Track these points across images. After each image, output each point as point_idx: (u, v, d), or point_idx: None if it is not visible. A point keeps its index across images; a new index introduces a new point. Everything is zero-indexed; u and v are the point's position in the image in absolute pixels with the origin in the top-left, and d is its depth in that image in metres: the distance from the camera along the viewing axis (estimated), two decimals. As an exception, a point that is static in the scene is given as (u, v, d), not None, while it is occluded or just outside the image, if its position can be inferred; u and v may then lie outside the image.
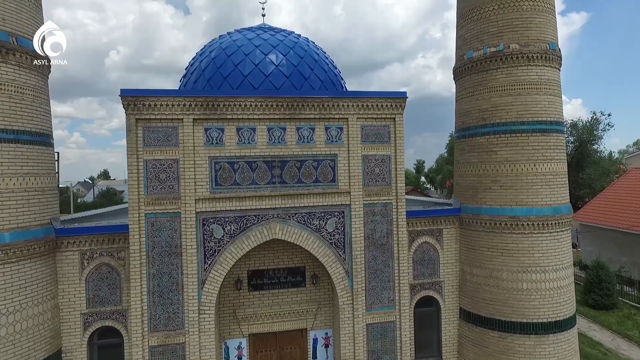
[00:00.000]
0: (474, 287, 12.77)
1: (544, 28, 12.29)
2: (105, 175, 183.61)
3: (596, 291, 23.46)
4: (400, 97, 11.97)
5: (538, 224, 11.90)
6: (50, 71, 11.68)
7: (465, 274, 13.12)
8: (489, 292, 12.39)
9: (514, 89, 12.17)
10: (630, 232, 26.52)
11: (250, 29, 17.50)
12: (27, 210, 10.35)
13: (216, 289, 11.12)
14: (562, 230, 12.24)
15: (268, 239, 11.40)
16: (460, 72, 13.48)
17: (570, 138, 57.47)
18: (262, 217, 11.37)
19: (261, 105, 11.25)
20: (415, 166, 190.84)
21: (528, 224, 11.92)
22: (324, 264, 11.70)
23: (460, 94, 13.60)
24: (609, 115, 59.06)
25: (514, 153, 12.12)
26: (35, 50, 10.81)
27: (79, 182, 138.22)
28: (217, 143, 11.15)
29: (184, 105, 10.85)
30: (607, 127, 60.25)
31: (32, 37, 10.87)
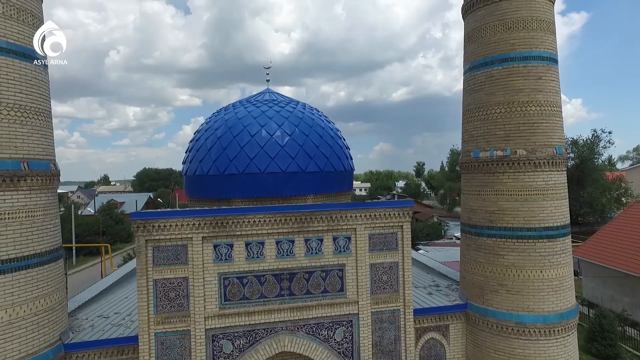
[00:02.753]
0: (480, 386, 12.86)
1: (550, 133, 12.33)
2: (105, 180, 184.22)
3: (599, 340, 23.57)
4: (407, 205, 12.04)
5: (545, 331, 11.97)
6: (59, 181, 11.71)
7: (471, 371, 13.21)
8: (495, 395, 12.47)
9: (521, 195, 12.22)
10: (632, 274, 26.57)
11: (255, 103, 17.53)
12: (36, 335, 10.39)
13: (225, 403, 11.19)
14: (569, 335, 12.32)
15: (277, 352, 11.47)
16: (466, 168, 13.52)
17: (570, 154, 57.81)
18: (271, 330, 11.44)
19: (270, 221, 11.30)
20: (415, 169, 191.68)
21: (534, 331, 11.99)
22: (332, 373, 11.78)
23: (467, 189, 13.65)
24: (609, 132, 59.29)
25: (521, 259, 12.18)
26: (45, 169, 10.84)
27: (79, 188, 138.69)
28: (226, 259, 11.21)
29: (193, 224, 10.90)
30: (607, 144, 60.58)
31: (44, 155, 10.90)
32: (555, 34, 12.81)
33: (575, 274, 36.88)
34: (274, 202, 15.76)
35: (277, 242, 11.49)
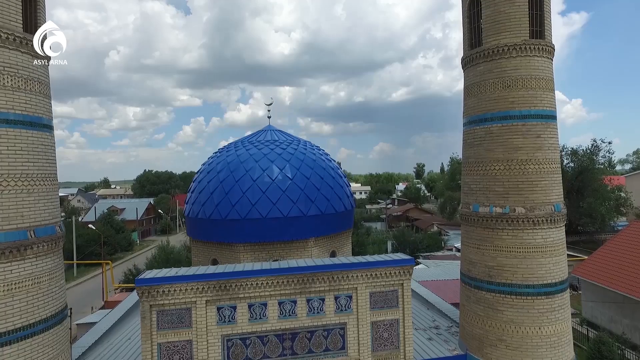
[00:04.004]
0: None
1: (549, 190, 12.49)
2: (105, 183, 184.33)
3: (597, 367, 23.78)
4: (408, 264, 12.20)
5: (543, 387, 12.16)
6: (64, 240, 11.85)
7: (471, 421, 13.40)
8: None
9: (520, 252, 12.39)
10: (632, 297, 26.69)
11: (257, 144, 17.68)
12: (44, 400, 10.56)
13: None
14: (567, 390, 12.52)
15: (279, 411, 11.66)
16: (466, 220, 13.68)
17: (570, 164, 57.94)
18: (273, 390, 11.62)
19: (272, 283, 11.47)
20: (415, 170, 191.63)
21: (533, 387, 12.18)
22: None
23: (467, 241, 13.81)
24: (609, 143, 59.40)
25: (520, 315, 12.35)
26: (52, 233, 10.97)
27: (79, 191, 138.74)
28: (229, 321, 11.37)
29: (197, 289, 11.06)
30: (607, 154, 60.72)
31: (50, 219, 11.02)
32: (554, 90, 12.95)
33: (575, 289, 37.10)
34: (276, 246, 15.97)
35: (280, 303, 11.66)
